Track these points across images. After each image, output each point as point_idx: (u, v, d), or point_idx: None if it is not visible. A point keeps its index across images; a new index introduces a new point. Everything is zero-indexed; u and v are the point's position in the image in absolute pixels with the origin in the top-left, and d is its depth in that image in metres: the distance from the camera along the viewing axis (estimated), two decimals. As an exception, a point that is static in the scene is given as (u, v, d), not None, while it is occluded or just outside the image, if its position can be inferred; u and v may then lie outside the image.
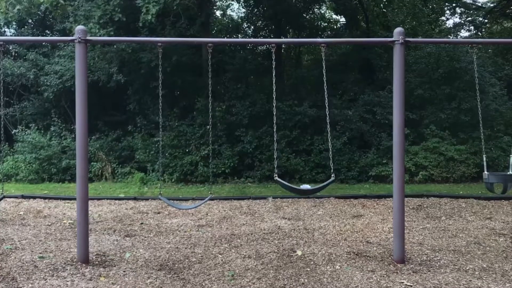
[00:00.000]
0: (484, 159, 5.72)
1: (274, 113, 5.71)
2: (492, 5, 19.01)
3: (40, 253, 5.58)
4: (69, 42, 6.24)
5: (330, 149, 5.83)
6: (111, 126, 13.93)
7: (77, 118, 5.16)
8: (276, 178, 5.32)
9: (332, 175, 5.37)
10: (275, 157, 6.01)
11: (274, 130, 5.71)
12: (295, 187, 5.93)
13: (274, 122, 5.76)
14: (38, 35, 15.91)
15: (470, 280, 4.64)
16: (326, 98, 5.69)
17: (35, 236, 6.43)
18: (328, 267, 5.08)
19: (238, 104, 13.11)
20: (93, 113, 13.65)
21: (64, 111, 14.28)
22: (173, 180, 12.16)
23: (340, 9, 17.23)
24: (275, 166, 5.73)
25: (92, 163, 12.60)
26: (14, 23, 15.49)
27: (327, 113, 5.69)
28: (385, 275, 4.79)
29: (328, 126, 5.70)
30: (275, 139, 5.92)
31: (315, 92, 13.92)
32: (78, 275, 4.80)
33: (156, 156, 12.41)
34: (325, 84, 5.59)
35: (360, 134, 13.10)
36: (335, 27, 19.65)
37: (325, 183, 5.43)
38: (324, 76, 5.56)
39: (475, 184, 11.55)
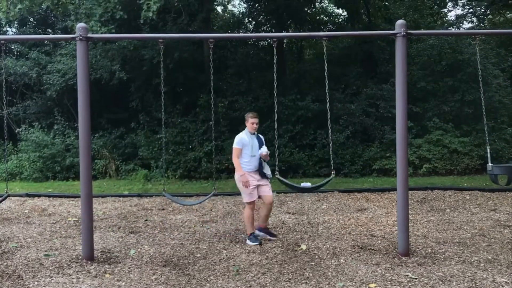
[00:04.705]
0: (488, 150, 5.68)
1: (275, 108, 5.72)
2: (494, -5, 18.81)
3: (46, 251, 5.61)
4: (71, 40, 6.24)
5: (331, 145, 5.85)
6: (114, 123, 13.97)
7: (80, 116, 5.16)
8: (278, 176, 5.51)
9: (332, 172, 5.51)
10: (276, 154, 6.02)
11: (275, 127, 5.71)
12: (295, 185, 5.93)
13: (275, 117, 5.77)
14: (39, 34, 15.93)
15: (475, 272, 4.63)
16: (327, 92, 5.67)
17: (40, 234, 6.46)
18: (332, 261, 5.08)
19: (240, 100, 13.09)
20: (96, 111, 13.71)
21: (67, 110, 14.32)
22: (176, 177, 12.18)
23: (341, 2, 17.14)
24: (276, 162, 5.77)
25: (96, 161, 12.64)
26: (15, 22, 15.52)
27: (328, 108, 5.69)
28: (390, 268, 4.79)
29: (329, 122, 5.69)
30: (275, 135, 5.92)
31: (317, 86, 13.88)
32: (83, 272, 4.82)
33: (160, 153, 12.44)
34: (326, 78, 5.58)
35: (363, 127, 13.07)
36: (336, 21, 19.55)
37: (325, 180, 5.56)
38: (326, 70, 5.55)
39: (479, 176, 11.51)
